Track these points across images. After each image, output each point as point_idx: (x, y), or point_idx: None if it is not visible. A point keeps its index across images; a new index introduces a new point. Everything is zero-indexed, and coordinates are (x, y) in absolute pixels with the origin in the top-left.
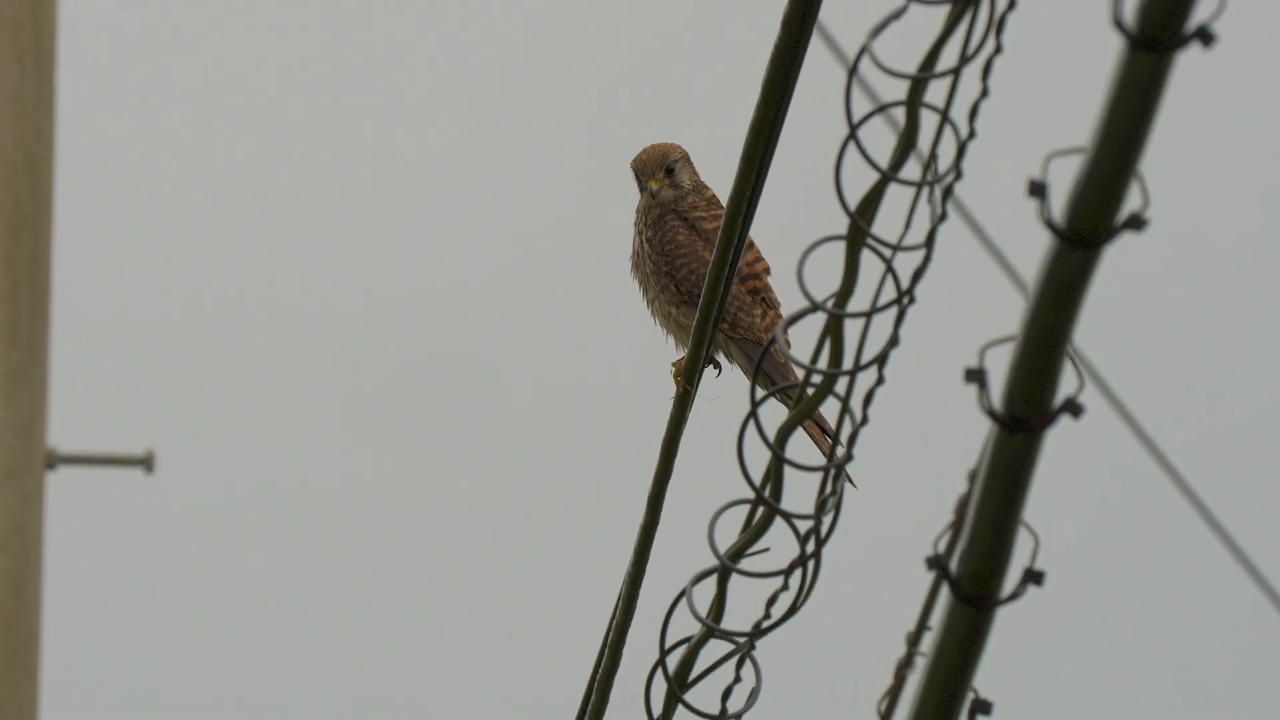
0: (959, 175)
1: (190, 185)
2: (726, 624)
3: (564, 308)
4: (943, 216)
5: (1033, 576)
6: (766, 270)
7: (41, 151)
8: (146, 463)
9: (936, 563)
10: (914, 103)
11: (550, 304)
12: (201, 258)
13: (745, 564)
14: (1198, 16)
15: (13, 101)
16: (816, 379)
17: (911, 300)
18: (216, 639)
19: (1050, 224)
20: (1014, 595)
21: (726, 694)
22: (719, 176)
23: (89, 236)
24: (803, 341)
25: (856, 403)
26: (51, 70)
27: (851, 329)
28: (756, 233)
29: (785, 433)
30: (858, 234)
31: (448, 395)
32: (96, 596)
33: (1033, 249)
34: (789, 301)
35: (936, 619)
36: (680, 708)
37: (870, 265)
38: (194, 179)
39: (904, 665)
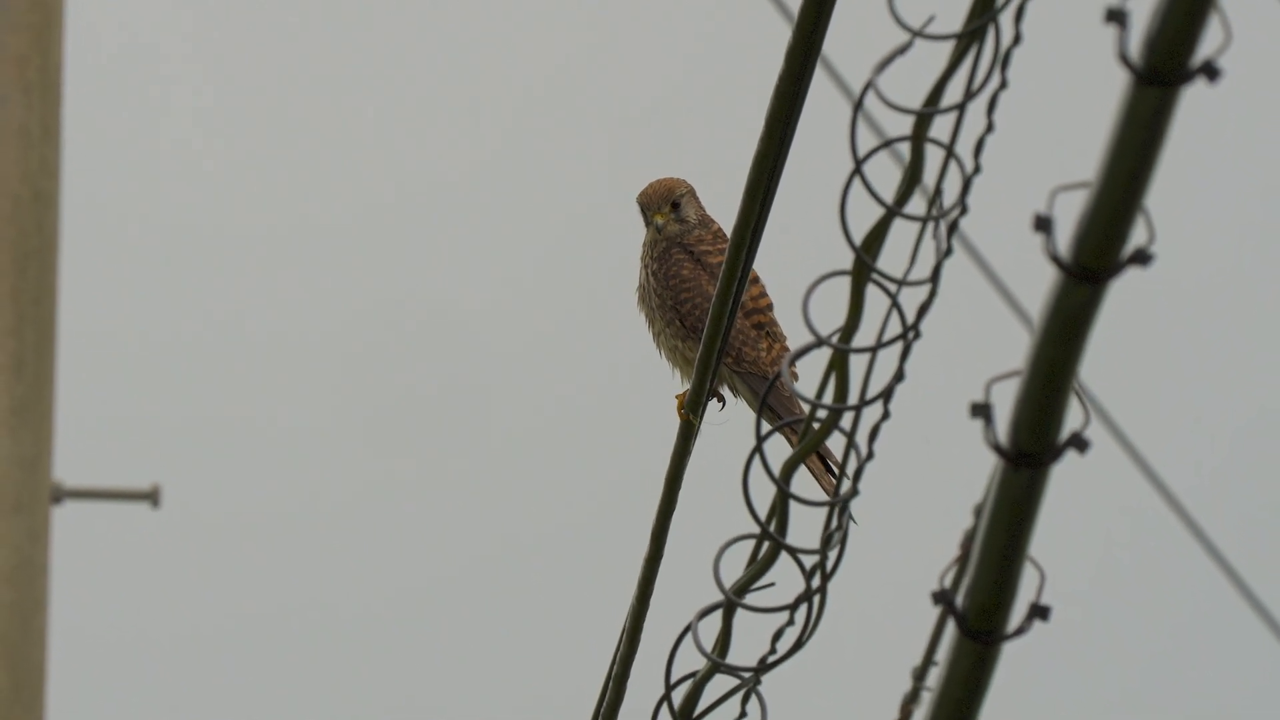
0: (964, 210)
1: (198, 218)
2: (732, 659)
3: (568, 334)
4: (948, 251)
5: (1038, 611)
6: (770, 306)
7: (47, 185)
8: (153, 496)
9: (942, 598)
10: (919, 138)
11: (555, 330)
12: (210, 290)
13: (751, 599)
14: (1203, 51)
15: (19, 135)
16: (822, 414)
17: (917, 335)
18: (225, 672)
19: (1056, 259)
20: (1020, 630)
21: None
22: (727, 211)
23: (95, 270)
24: (808, 376)
25: (862, 438)
26: (57, 104)
27: (857, 364)
28: (760, 266)
29: (790, 467)
30: (863, 269)
31: (450, 420)
32: (102, 630)
33: (1038, 284)
34: (794, 336)
35: (943, 654)
36: None
37: (875, 300)
38: (202, 211)
39: (910, 700)
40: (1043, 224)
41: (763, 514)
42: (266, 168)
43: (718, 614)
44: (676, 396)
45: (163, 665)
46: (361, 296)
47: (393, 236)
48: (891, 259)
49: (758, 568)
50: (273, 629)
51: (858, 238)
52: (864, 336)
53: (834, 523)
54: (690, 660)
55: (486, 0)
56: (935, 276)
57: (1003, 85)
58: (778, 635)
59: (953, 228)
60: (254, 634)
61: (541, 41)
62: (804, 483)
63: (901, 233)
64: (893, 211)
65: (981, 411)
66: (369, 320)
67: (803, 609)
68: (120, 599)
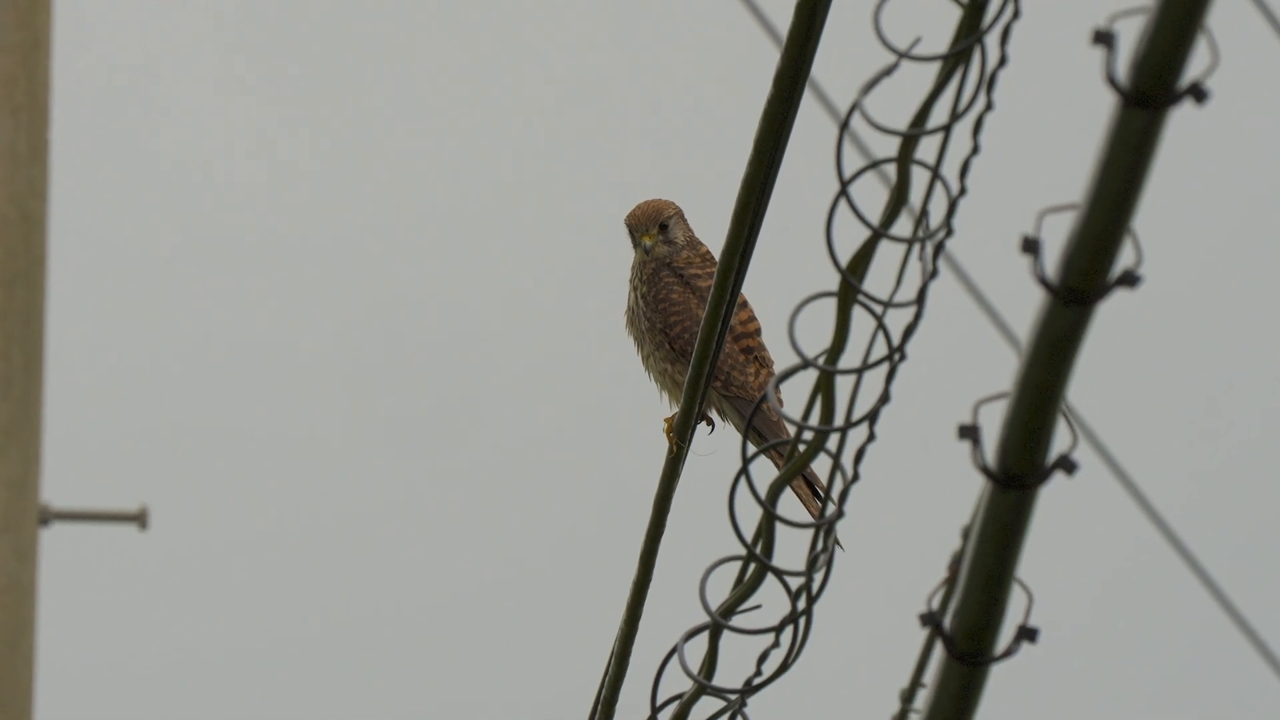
0: (950, 232)
1: (189, 236)
2: (718, 681)
3: (557, 357)
4: (934, 273)
5: (1026, 633)
6: (759, 330)
7: (35, 206)
8: (140, 518)
9: (930, 619)
10: (905, 159)
11: (545, 353)
12: (200, 312)
13: (737, 621)
14: (1191, 73)
15: (6, 156)
16: (808, 436)
17: (903, 357)
18: (212, 695)
19: (1043, 281)
20: (1008, 652)
21: None
22: (716, 233)
23: (84, 291)
24: (794, 398)
25: (848, 459)
26: (45, 125)
27: (843, 386)
28: (749, 288)
29: (777, 489)
30: (849, 290)
31: (440, 441)
32: (90, 652)
33: (1026, 305)
34: (780, 357)
35: (930, 676)
36: None
37: (862, 322)
38: (193, 228)
39: None
40: (1030, 246)
41: (749, 536)
42: (264, 184)
43: (704, 635)
44: (665, 420)
45: (150, 689)
46: (360, 311)
47: (394, 249)
48: (877, 280)
49: (744, 590)
50: (260, 651)
51: (844, 259)
52: (850, 358)
53: (820, 545)
54: (677, 682)
55: (493, 18)
56: (921, 298)
57: (989, 107)
58: (764, 657)
59: (939, 249)
60: (240, 656)
61: (543, 63)
62: (790, 505)
63: (887, 254)
64: (879, 233)
65: (969, 433)
66: (366, 335)
67: (789, 631)
68: (108, 621)
